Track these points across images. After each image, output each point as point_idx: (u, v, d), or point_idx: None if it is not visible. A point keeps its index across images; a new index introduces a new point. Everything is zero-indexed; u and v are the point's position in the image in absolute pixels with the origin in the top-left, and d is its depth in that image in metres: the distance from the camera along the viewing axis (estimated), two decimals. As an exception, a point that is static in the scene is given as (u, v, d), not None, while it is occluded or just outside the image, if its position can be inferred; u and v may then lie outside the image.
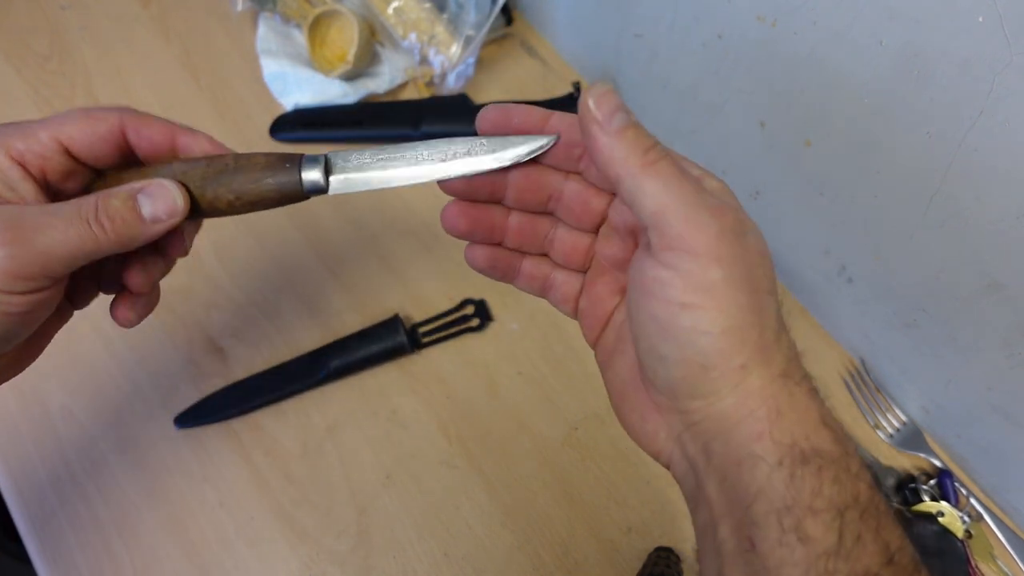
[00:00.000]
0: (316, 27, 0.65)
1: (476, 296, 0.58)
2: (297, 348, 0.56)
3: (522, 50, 0.70)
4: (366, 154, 0.30)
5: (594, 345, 0.32)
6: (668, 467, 0.28)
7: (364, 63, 0.66)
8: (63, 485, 0.51)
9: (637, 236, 0.29)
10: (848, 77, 0.40)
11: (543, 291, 0.33)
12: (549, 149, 0.29)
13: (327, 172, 0.30)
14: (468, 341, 0.57)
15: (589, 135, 0.25)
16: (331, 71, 0.65)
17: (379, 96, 0.67)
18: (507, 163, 0.29)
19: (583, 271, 0.32)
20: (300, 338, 0.56)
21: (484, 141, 0.29)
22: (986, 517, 0.50)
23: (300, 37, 0.67)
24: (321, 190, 0.30)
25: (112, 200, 0.28)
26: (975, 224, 0.39)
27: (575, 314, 0.33)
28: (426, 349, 0.56)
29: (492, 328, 0.57)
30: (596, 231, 0.31)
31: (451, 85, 0.65)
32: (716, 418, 0.25)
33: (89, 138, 0.30)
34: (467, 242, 0.32)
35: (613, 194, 0.30)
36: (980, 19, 0.32)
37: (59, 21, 0.70)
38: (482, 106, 0.63)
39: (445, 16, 0.65)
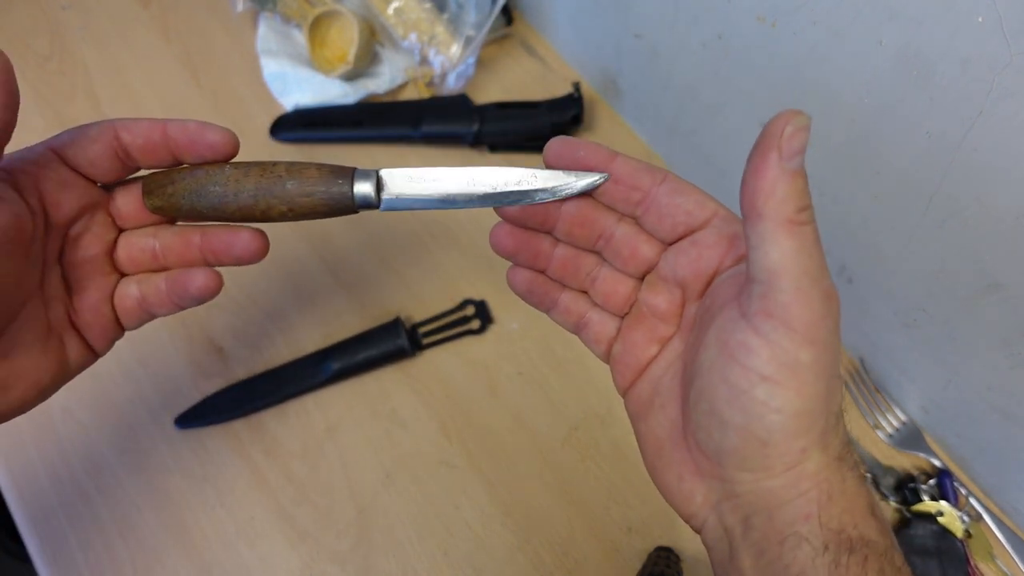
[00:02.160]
0: (316, 27, 0.65)
1: (476, 297, 0.58)
2: (298, 349, 0.56)
3: (522, 50, 0.70)
4: (419, 173, 0.31)
5: (624, 393, 0.31)
6: (699, 531, 0.27)
7: (364, 63, 0.66)
8: (64, 485, 0.51)
9: (687, 290, 0.29)
10: (848, 77, 0.40)
11: (576, 327, 0.33)
12: (601, 184, 0.29)
13: (379, 188, 0.30)
14: (468, 341, 0.57)
15: (762, 155, 0.23)
16: (331, 71, 0.65)
17: (379, 96, 0.67)
18: (559, 196, 0.29)
19: (621, 315, 0.32)
20: (301, 338, 0.56)
21: (537, 173, 0.29)
22: (985, 517, 0.50)
23: (300, 37, 0.67)
24: (372, 205, 0.30)
25: None
26: (975, 224, 0.39)
27: (606, 357, 0.32)
28: (426, 350, 0.56)
29: (492, 329, 0.57)
30: (641, 277, 0.31)
31: (451, 85, 0.65)
32: (763, 493, 0.24)
33: (80, 142, 0.30)
34: (507, 262, 0.32)
35: (666, 243, 0.29)
36: (979, 19, 0.32)
37: (59, 21, 0.70)
38: (482, 106, 0.64)
39: (445, 16, 0.65)
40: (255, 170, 0.30)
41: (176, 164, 0.32)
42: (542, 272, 0.32)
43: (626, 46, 0.59)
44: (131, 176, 0.32)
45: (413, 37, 0.65)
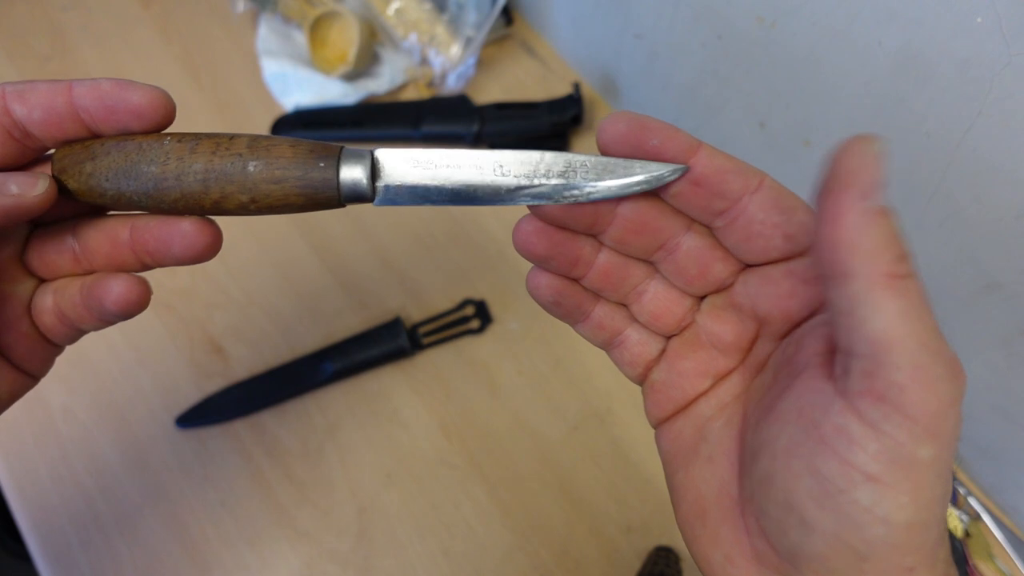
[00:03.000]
0: (317, 28, 0.65)
1: (476, 297, 0.58)
2: (298, 348, 0.56)
3: (522, 50, 0.70)
4: (427, 155, 0.23)
5: (657, 425, 0.27)
6: None
7: (364, 64, 0.66)
8: (65, 484, 0.51)
9: (765, 327, 0.23)
10: (847, 77, 0.41)
11: (608, 344, 0.27)
12: (672, 182, 0.22)
13: (373, 176, 0.23)
14: (468, 341, 0.57)
15: (834, 198, 0.18)
16: (332, 72, 0.65)
17: (380, 96, 0.67)
18: (616, 195, 0.23)
19: (668, 336, 0.26)
20: (301, 338, 0.56)
21: (588, 160, 0.23)
22: (984, 516, 0.50)
23: (301, 37, 0.67)
24: (364, 197, 0.23)
25: None
26: (974, 224, 0.39)
27: (641, 380, 0.27)
28: (426, 349, 0.56)
29: (492, 328, 0.57)
30: (702, 296, 0.25)
31: (451, 85, 0.65)
32: None
33: None
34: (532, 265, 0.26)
35: (748, 265, 0.24)
36: (978, 20, 0.32)
37: (60, 21, 0.70)
38: (482, 106, 0.64)
39: (445, 17, 0.66)
40: (205, 144, 0.23)
41: (92, 137, 0.24)
42: (575, 280, 0.26)
43: (626, 46, 0.59)
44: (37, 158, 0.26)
45: (413, 38, 0.65)
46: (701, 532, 0.23)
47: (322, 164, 0.23)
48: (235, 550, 0.50)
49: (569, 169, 0.23)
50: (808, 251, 0.22)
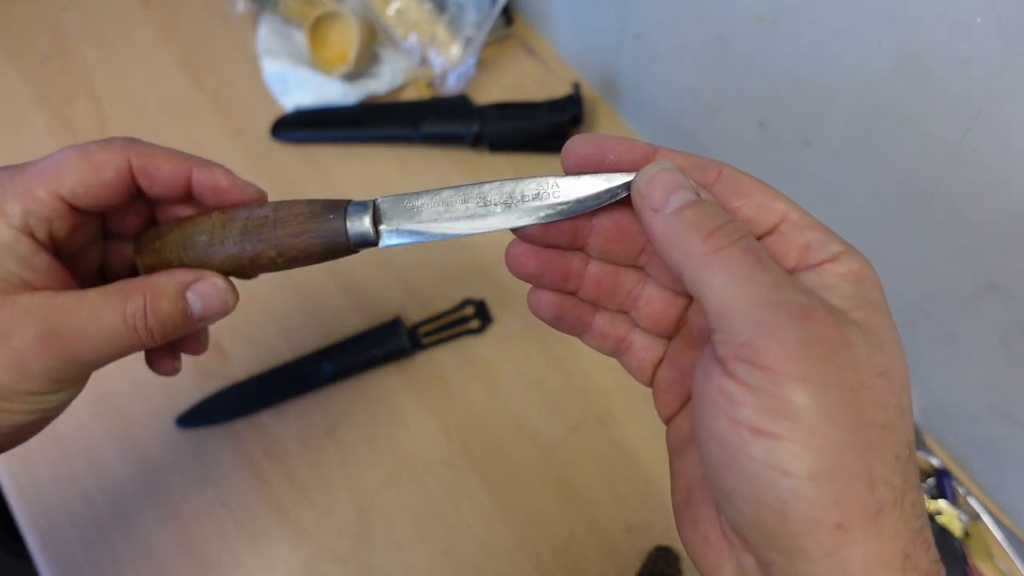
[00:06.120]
0: (317, 28, 0.65)
1: (476, 297, 0.58)
2: (298, 348, 0.56)
3: (522, 51, 0.70)
4: (421, 198, 0.26)
5: (667, 422, 0.27)
6: None
7: (365, 64, 0.66)
8: (65, 484, 0.51)
9: None
10: (847, 78, 0.41)
11: (616, 351, 0.28)
12: (631, 186, 0.24)
13: (376, 221, 0.26)
14: (468, 341, 0.57)
15: (644, 222, 0.21)
16: (332, 72, 0.65)
17: (380, 97, 0.67)
18: (585, 209, 0.24)
19: (669, 337, 0.27)
20: (302, 338, 0.56)
21: (558, 180, 0.25)
22: (984, 516, 0.50)
23: (301, 38, 0.67)
24: (370, 242, 0.27)
25: (162, 303, 0.27)
26: (974, 224, 0.39)
27: (650, 383, 0.28)
28: (426, 349, 0.56)
29: (492, 328, 0.57)
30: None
31: (452, 86, 0.65)
32: None
33: (94, 188, 0.27)
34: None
35: None
36: (978, 20, 0.32)
37: (60, 21, 0.70)
38: (482, 107, 0.64)
39: (445, 17, 0.66)
40: (241, 214, 0.28)
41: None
42: (572, 294, 0.27)
43: (626, 46, 0.59)
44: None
45: (413, 38, 0.65)
46: (685, 515, 0.24)
47: (332, 216, 0.26)
48: (235, 550, 0.50)
49: (542, 191, 0.25)
50: (772, 230, 0.23)
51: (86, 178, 0.26)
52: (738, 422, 0.19)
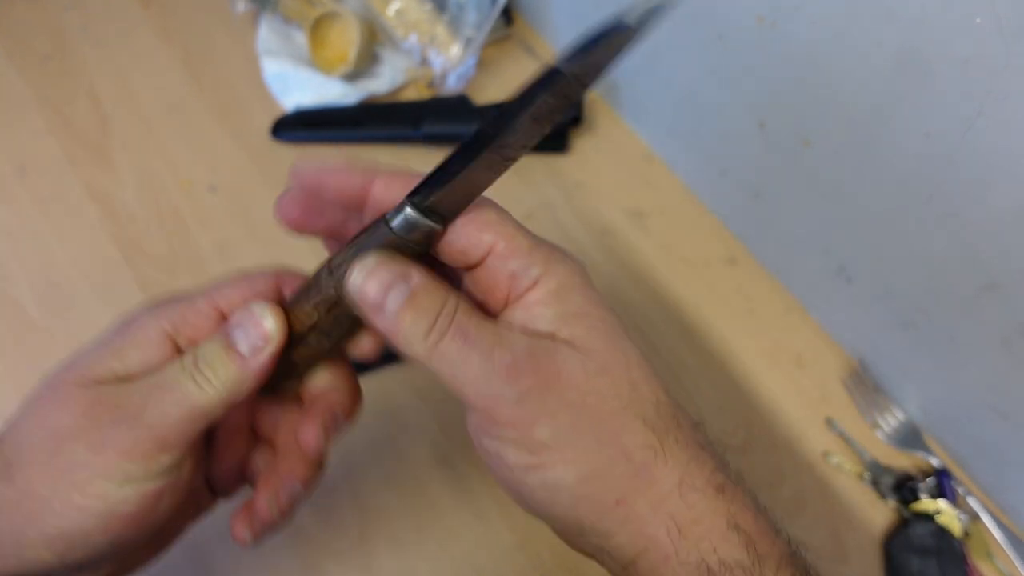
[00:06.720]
0: (317, 28, 0.66)
1: (476, 296, 0.58)
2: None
3: (522, 51, 0.70)
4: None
5: None
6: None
7: (365, 64, 0.66)
8: (64, 484, 0.51)
9: None
10: (847, 77, 0.41)
11: None
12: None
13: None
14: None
15: (371, 322, 0.24)
16: (332, 72, 0.65)
17: (380, 97, 0.67)
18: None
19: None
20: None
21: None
22: (983, 516, 0.50)
23: (301, 38, 0.67)
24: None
25: (206, 346, 0.27)
26: (974, 223, 0.39)
27: None
28: (426, 349, 0.56)
29: (492, 328, 0.57)
30: None
31: (452, 86, 0.65)
32: (619, 549, 0.23)
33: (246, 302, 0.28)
34: None
35: None
36: (978, 20, 0.32)
37: (61, 21, 0.70)
38: (482, 107, 0.63)
39: (445, 17, 0.66)
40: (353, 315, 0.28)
41: None
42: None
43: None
44: None
45: (413, 38, 0.65)
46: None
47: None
48: (235, 550, 0.50)
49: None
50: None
51: (242, 292, 0.30)
52: (511, 467, 0.23)
